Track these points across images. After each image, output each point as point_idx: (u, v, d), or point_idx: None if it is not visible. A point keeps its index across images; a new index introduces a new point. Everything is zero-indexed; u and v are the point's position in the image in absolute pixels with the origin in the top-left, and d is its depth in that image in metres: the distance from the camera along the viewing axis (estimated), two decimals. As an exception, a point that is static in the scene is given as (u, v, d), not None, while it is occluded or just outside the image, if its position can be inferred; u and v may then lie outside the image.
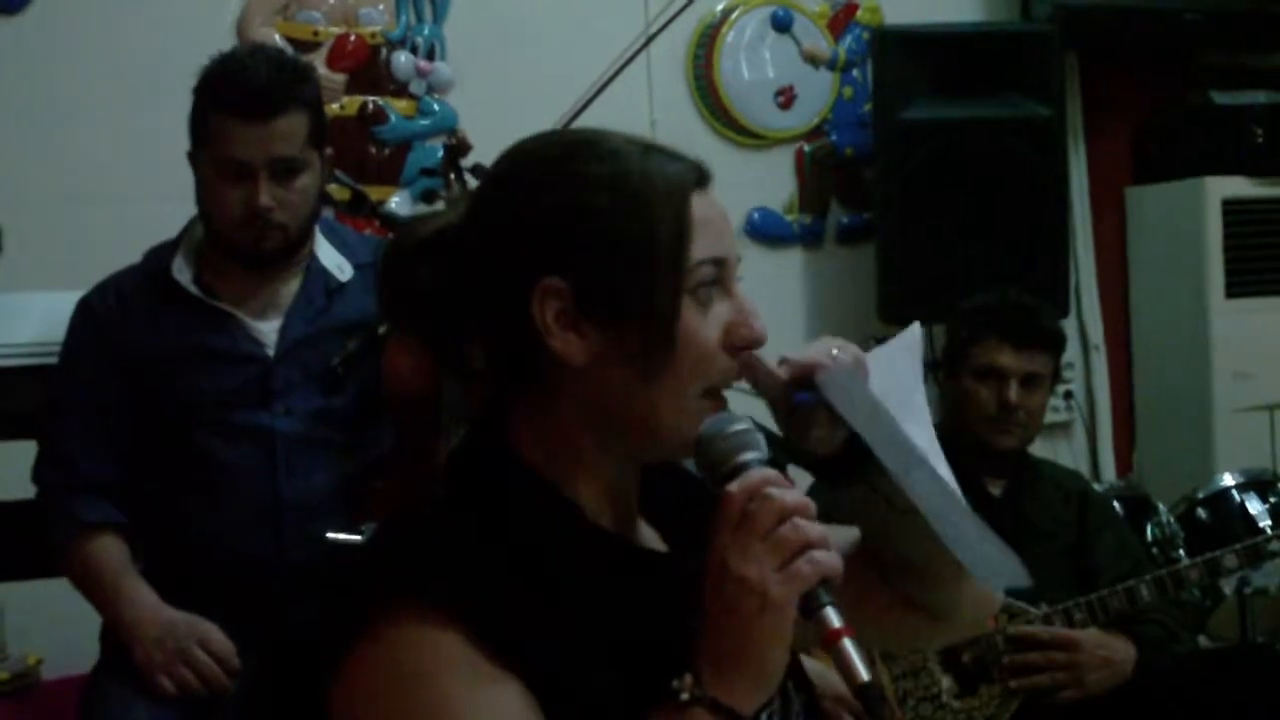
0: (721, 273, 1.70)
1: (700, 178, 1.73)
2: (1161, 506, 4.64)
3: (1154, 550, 4.48)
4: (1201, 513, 4.67)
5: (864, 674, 1.53)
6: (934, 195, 5.42)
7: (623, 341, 1.66)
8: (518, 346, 1.68)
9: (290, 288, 3.34)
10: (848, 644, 1.55)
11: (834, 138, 5.90)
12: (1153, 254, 6.26)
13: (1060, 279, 5.63)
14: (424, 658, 1.55)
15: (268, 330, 3.30)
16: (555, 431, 1.71)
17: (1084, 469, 6.12)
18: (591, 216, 1.67)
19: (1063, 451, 6.12)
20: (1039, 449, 5.75)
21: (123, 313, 3.30)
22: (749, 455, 1.64)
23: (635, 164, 1.69)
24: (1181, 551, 4.47)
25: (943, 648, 3.68)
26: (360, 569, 1.70)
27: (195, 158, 3.27)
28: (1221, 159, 6.00)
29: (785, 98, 5.83)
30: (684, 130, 5.65)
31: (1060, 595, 3.76)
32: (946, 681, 3.68)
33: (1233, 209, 5.97)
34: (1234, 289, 5.97)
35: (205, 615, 3.20)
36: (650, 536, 1.84)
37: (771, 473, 1.61)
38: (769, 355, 5.47)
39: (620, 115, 5.65)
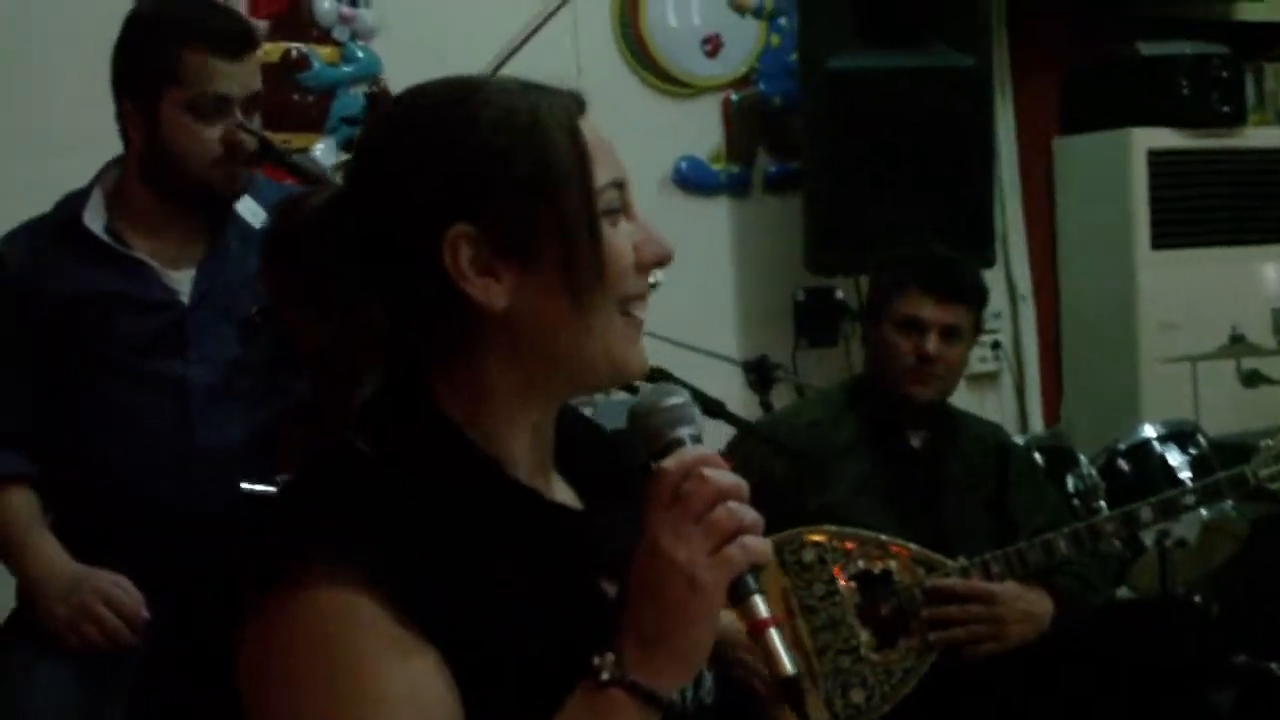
0: (623, 195, 1.69)
1: (581, 105, 1.71)
2: (1082, 458, 4.65)
3: (1075, 502, 4.49)
4: (1123, 464, 4.68)
5: (789, 666, 1.53)
6: (861, 145, 5.42)
7: (543, 276, 1.63)
8: (431, 301, 1.65)
9: (205, 236, 3.31)
10: (774, 635, 1.55)
11: (761, 86, 5.87)
12: (1080, 205, 6.29)
13: (986, 229, 5.64)
14: (336, 622, 1.52)
15: (182, 279, 3.26)
16: (477, 383, 1.68)
17: (1011, 419, 6.16)
18: (491, 158, 1.63)
19: (990, 401, 6.15)
20: (967, 398, 5.78)
21: (33, 261, 3.25)
22: (683, 430, 1.62)
23: (521, 100, 1.66)
24: (1102, 503, 4.47)
25: (860, 602, 3.68)
26: (274, 525, 1.66)
27: (147, 104, 3.21)
28: (1148, 110, 6.03)
29: (712, 46, 5.79)
30: (610, 78, 5.62)
31: (979, 548, 3.75)
32: (865, 635, 3.68)
33: (1159, 160, 6.01)
34: (1160, 240, 6.01)
35: (117, 567, 3.17)
36: (565, 492, 1.81)
37: (707, 451, 1.59)
38: (694, 303, 5.44)
39: (545, 62, 5.68)
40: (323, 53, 5.17)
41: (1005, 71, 6.13)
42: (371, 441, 1.69)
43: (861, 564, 3.72)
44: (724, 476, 1.56)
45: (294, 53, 5.12)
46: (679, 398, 1.64)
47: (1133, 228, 5.98)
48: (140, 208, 3.26)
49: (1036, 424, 6.15)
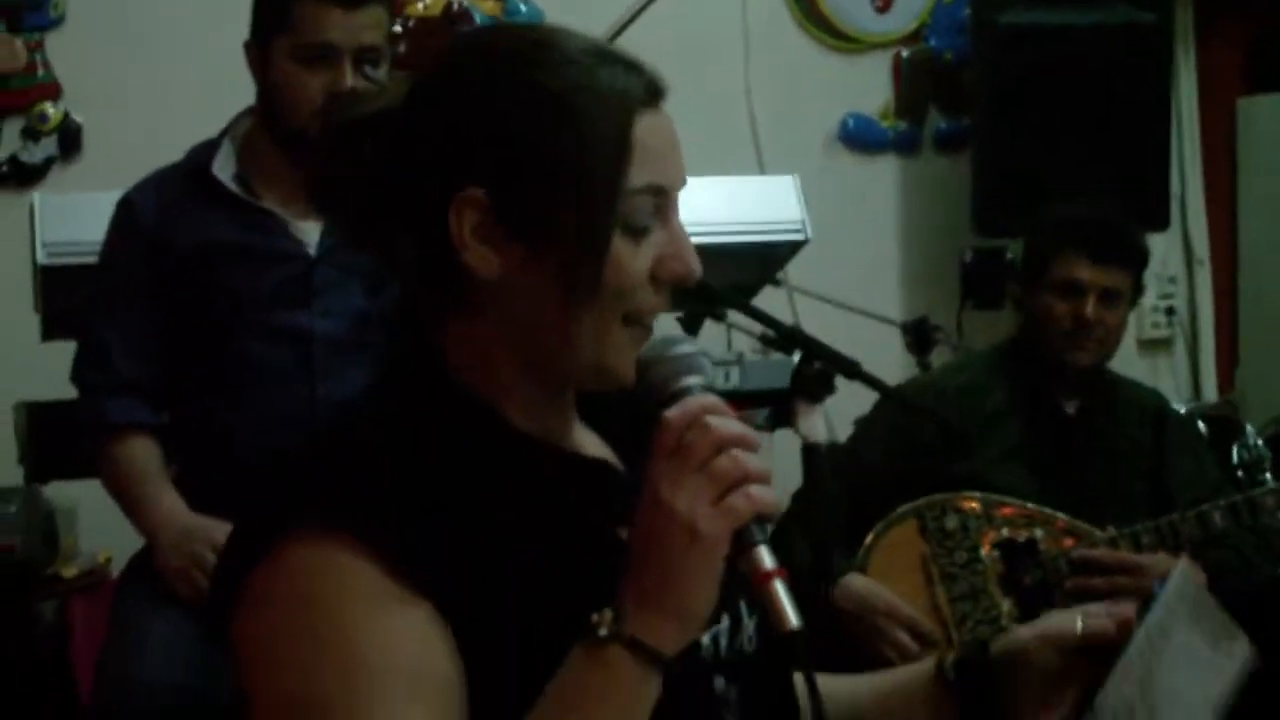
0: (660, 201, 1.60)
1: (651, 96, 1.60)
2: (1249, 428, 4.50)
3: (1239, 473, 4.34)
4: (1292, 435, 4.53)
5: (794, 620, 1.47)
6: (1033, 103, 5.33)
7: (542, 263, 1.56)
8: (440, 253, 1.59)
9: None
10: (778, 586, 1.48)
11: (932, 42, 5.80)
12: (1263, 166, 6.09)
13: (1161, 190, 5.51)
14: (324, 580, 1.48)
15: (310, 229, 3.24)
16: (477, 343, 1.62)
17: (1184, 386, 6.00)
18: (522, 129, 1.56)
19: (1163, 368, 6.00)
20: (1139, 364, 5.64)
21: (162, 211, 3.26)
22: (690, 380, 1.55)
23: (579, 76, 1.57)
24: (1268, 475, 4.33)
25: (1004, 571, 3.58)
26: (276, 484, 1.62)
27: (264, 46, 3.22)
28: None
29: (883, 1, 5.69)
30: (777, 33, 5.59)
31: (1132, 518, 3.63)
32: (1007, 605, 3.58)
33: (1347, 121, 5.80)
34: (1345, 204, 5.80)
35: (237, 519, 3.16)
36: (597, 448, 1.76)
37: (713, 399, 1.52)
38: (859, 263, 5.36)
39: (712, 18, 5.60)
40: (485, 6, 5.17)
41: (1188, 28, 5.96)
42: (377, 396, 1.66)
43: (1006, 532, 3.62)
44: (728, 425, 1.49)
45: (455, 6, 5.12)
46: (688, 346, 1.58)
47: (1317, 191, 5.78)
48: (267, 157, 3.25)
49: (1210, 392, 5.98)
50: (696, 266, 1.61)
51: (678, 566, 1.47)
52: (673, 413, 1.51)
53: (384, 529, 1.48)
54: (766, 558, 1.49)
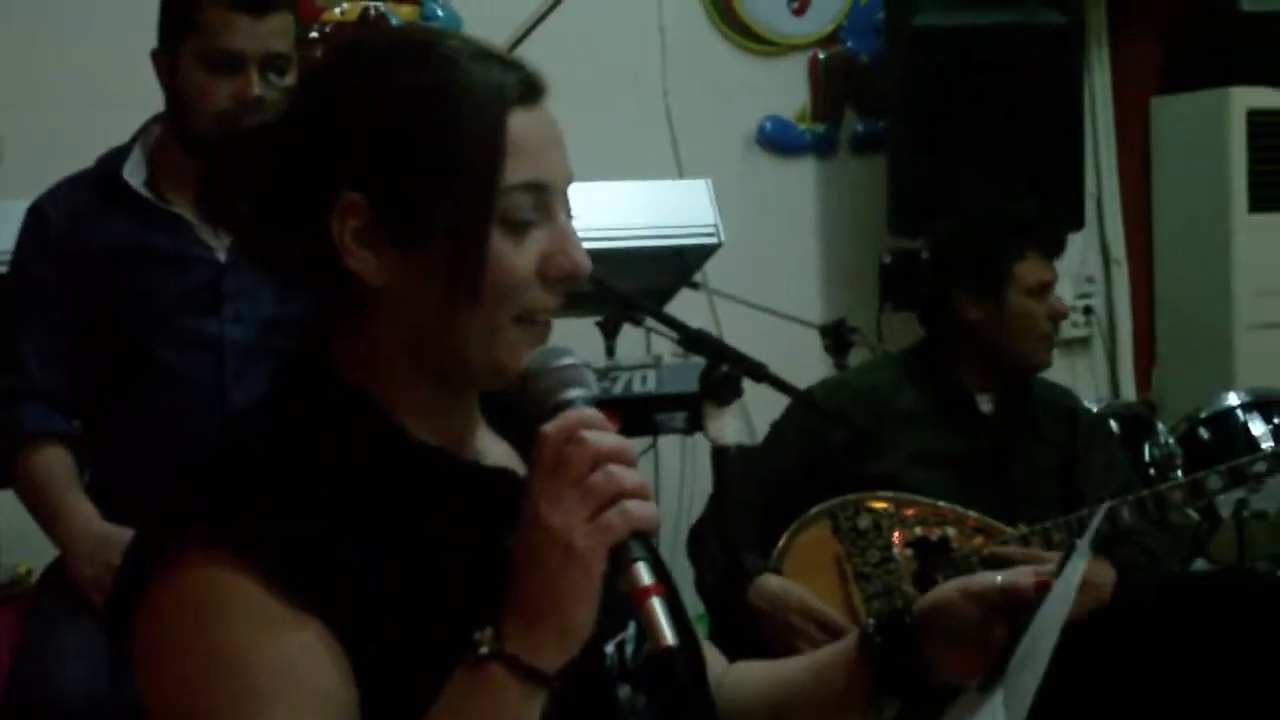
0: (541, 198, 1.59)
1: (527, 92, 1.60)
2: (1161, 426, 4.54)
3: (1151, 471, 4.38)
4: (1203, 432, 4.57)
5: (669, 638, 1.46)
6: (949, 104, 5.35)
7: (424, 264, 1.56)
8: (327, 260, 1.58)
9: None
10: (655, 604, 1.47)
11: (849, 44, 5.80)
12: (1177, 166, 6.14)
13: (1076, 191, 5.54)
14: (212, 600, 1.48)
15: (220, 235, 3.23)
16: (368, 350, 1.61)
17: (1103, 386, 6.04)
18: (394, 129, 1.56)
19: (1081, 368, 6.05)
20: (1058, 364, 5.65)
21: (72, 217, 3.26)
22: (572, 393, 1.55)
23: (450, 75, 1.57)
24: (1179, 473, 4.37)
25: (917, 570, 3.61)
26: (173, 496, 1.61)
27: (171, 54, 3.21)
28: (1248, 68, 5.86)
29: (799, 3, 5.74)
30: (694, 36, 5.59)
31: (1046, 516, 3.65)
32: (920, 603, 3.60)
33: (1259, 120, 5.85)
34: (1257, 203, 5.86)
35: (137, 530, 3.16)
36: (504, 455, 1.75)
37: (591, 413, 1.52)
38: (778, 266, 5.35)
39: (628, 21, 5.60)
40: (402, 11, 5.14)
41: (1102, 28, 6.01)
42: (270, 407, 1.66)
43: (919, 531, 3.64)
44: (604, 439, 1.49)
45: (372, 11, 5.11)
46: (570, 359, 1.57)
47: (1229, 190, 5.82)
48: (177, 163, 3.24)
49: (1129, 391, 6.02)
50: (584, 262, 1.60)
51: (555, 584, 1.47)
52: (550, 427, 1.51)
53: (269, 549, 1.48)
54: (644, 574, 1.48)
